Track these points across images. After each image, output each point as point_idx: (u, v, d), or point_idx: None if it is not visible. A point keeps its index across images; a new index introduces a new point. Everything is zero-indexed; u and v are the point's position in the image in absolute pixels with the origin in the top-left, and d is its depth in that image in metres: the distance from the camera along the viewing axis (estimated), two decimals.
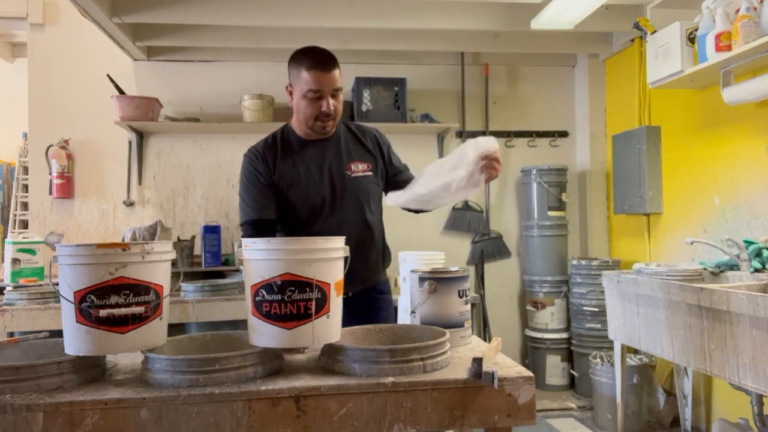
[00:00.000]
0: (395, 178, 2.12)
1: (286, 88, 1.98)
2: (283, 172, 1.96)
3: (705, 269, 2.78)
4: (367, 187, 2.04)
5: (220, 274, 3.76)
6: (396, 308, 2.20)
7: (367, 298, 2.07)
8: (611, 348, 3.30)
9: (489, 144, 1.69)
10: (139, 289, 1.27)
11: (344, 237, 1.41)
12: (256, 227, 1.93)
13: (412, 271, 1.69)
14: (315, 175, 1.97)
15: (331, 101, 1.89)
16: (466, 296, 1.64)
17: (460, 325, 1.60)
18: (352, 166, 2.01)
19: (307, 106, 1.90)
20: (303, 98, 1.90)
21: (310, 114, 1.92)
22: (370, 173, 2.05)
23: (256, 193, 1.95)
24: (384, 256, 2.15)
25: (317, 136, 1.99)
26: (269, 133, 2.05)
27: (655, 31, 3.17)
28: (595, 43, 4.18)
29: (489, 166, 1.68)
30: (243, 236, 1.93)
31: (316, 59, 1.88)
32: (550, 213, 4.21)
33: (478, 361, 1.26)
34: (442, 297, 1.60)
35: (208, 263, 3.77)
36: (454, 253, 4.33)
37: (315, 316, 1.30)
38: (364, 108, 4.01)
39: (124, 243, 1.26)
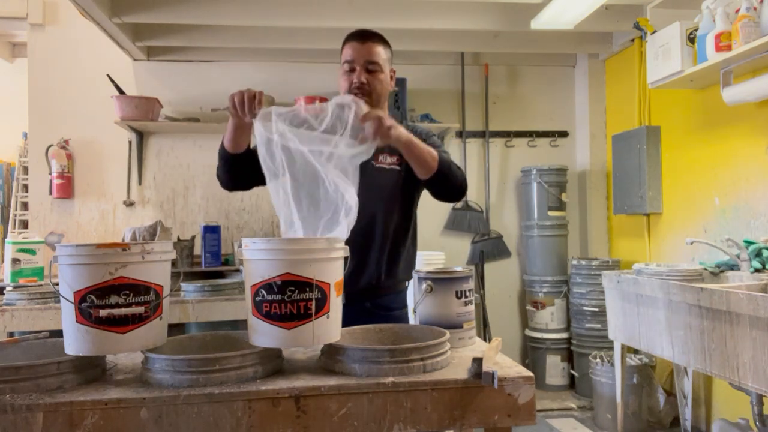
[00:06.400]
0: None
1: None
2: None
3: (705, 269, 2.78)
4: (387, 180, 1.87)
5: (220, 274, 3.75)
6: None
7: (362, 311, 1.84)
8: (611, 348, 3.30)
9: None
10: (139, 289, 1.27)
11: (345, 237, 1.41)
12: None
13: (414, 271, 1.69)
14: None
15: (363, 74, 1.78)
16: (466, 297, 1.62)
17: (458, 326, 1.59)
18: (380, 157, 1.85)
19: (343, 81, 1.83)
20: (342, 74, 1.83)
21: (344, 89, 1.80)
22: (397, 167, 1.87)
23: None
24: (397, 263, 1.90)
25: None
26: None
27: (655, 31, 3.17)
28: (595, 43, 4.19)
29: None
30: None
31: (355, 32, 1.83)
32: (550, 213, 4.21)
33: (478, 361, 1.26)
34: (440, 297, 1.60)
35: (208, 263, 3.77)
36: (454, 253, 4.33)
37: (315, 316, 1.30)
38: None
39: (124, 243, 1.26)
